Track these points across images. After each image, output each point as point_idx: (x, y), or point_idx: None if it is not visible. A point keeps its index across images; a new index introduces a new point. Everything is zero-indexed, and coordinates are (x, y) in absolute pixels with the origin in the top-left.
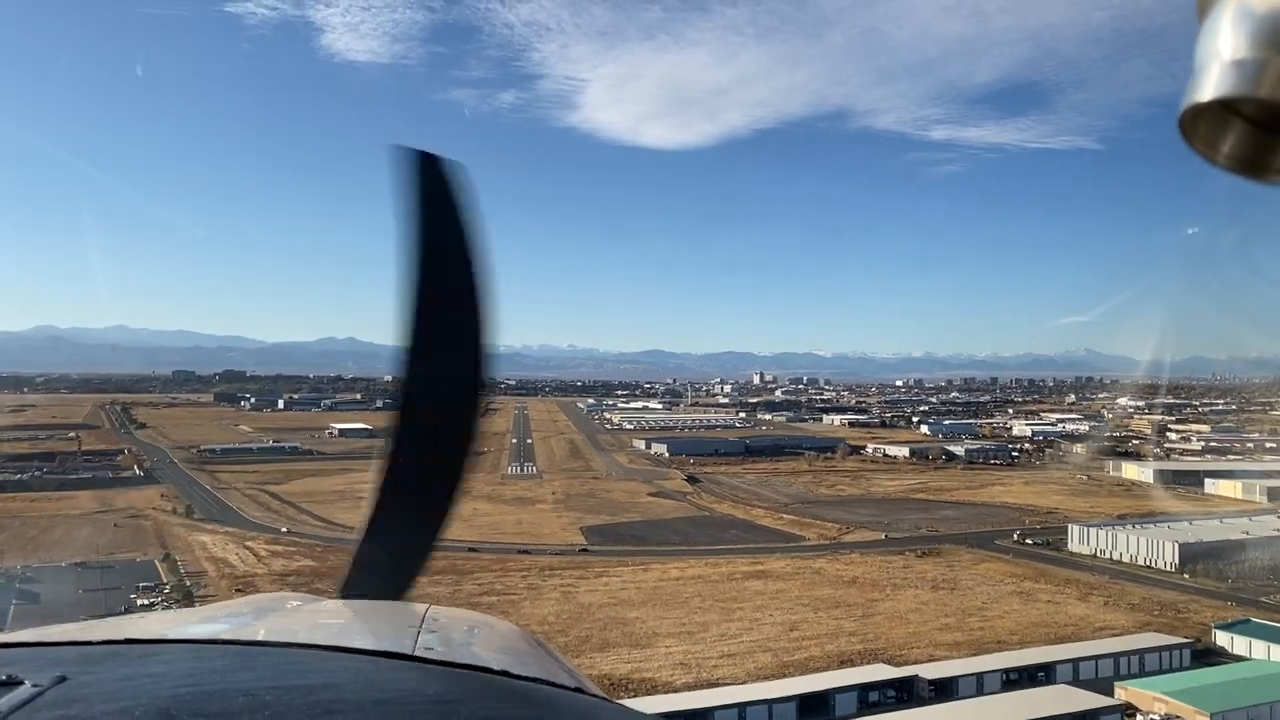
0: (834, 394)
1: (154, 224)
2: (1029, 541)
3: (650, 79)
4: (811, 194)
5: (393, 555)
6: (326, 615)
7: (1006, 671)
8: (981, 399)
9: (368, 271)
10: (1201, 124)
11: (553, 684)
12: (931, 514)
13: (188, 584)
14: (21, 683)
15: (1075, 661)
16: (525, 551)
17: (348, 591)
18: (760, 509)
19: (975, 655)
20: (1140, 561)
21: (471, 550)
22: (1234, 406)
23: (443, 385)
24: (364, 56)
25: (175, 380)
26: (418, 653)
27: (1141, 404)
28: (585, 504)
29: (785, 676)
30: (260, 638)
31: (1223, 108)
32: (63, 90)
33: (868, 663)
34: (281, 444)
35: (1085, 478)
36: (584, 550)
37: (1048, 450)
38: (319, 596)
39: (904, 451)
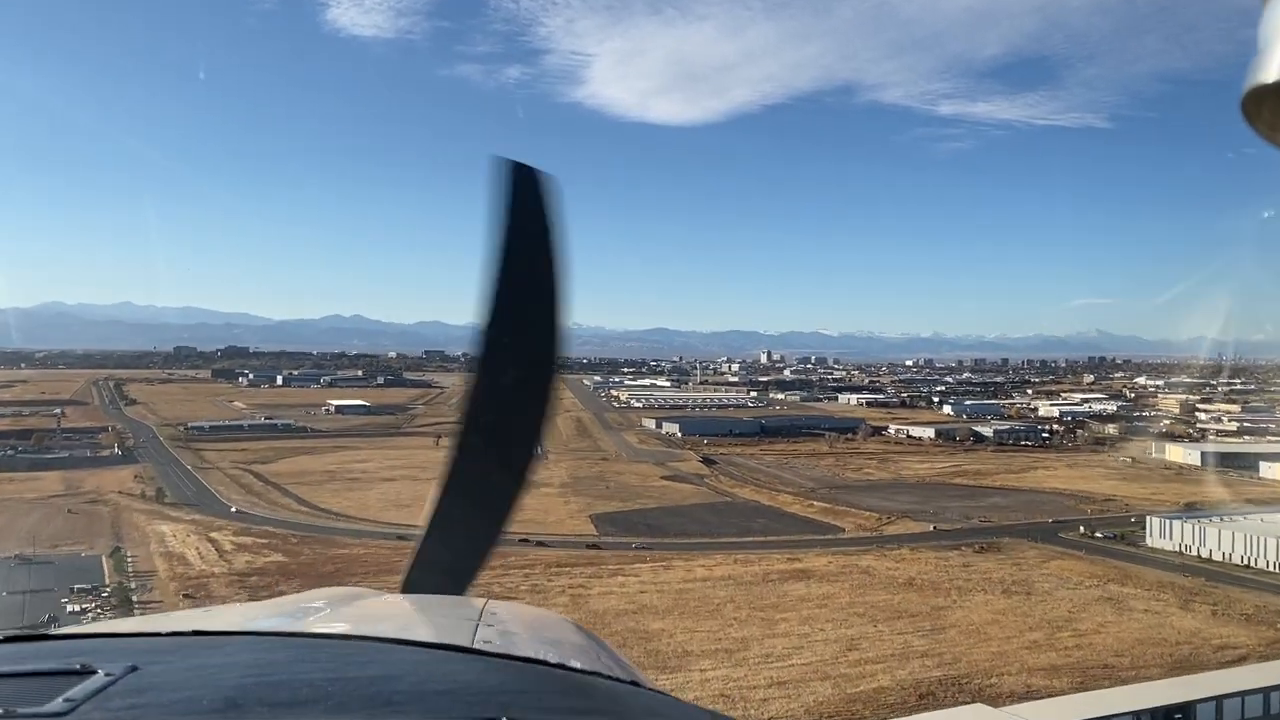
0: (844, 373)
1: (159, 201)
2: (1099, 535)
3: (657, 54)
4: (819, 171)
5: (454, 551)
6: (387, 609)
7: (1136, 714)
8: (996, 379)
9: (374, 249)
10: (1265, 106)
11: (610, 677)
12: (977, 501)
13: (131, 586)
14: (95, 672)
15: (1217, 700)
16: (529, 541)
17: (410, 587)
18: (786, 494)
19: (1087, 690)
20: (1236, 560)
21: None
22: (1252, 386)
23: (513, 386)
24: (369, 31)
25: (177, 356)
26: (476, 645)
27: (1161, 383)
28: (595, 489)
29: (856, 718)
30: (325, 630)
31: None
32: (65, 67)
33: (953, 695)
34: (274, 421)
35: (1129, 461)
36: (594, 545)
37: (1079, 432)
38: (380, 591)
39: (929, 432)
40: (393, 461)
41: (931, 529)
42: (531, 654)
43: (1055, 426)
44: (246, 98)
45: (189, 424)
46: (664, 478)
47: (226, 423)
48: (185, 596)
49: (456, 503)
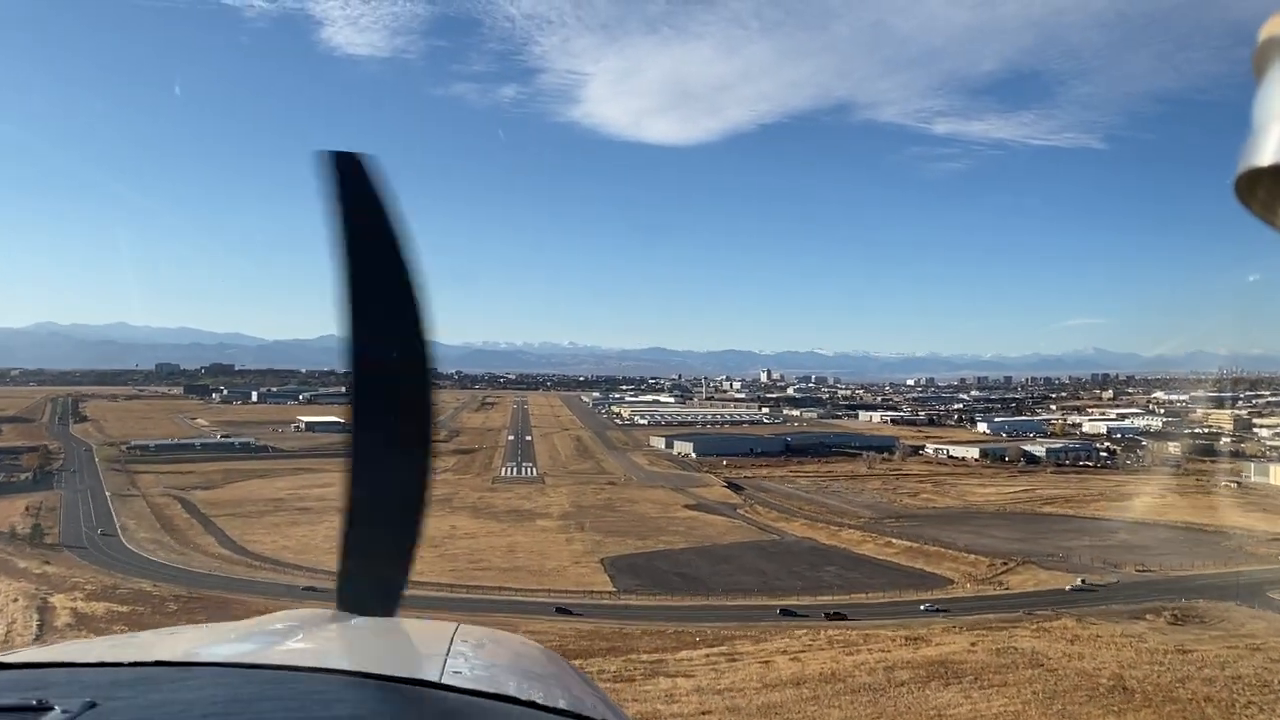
0: (849, 392)
1: (154, 220)
2: None
3: (653, 73)
4: (815, 190)
5: (375, 570)
6: (356, 635)
7: None
8: (1007, 396)
9: None
10: (1260, 187)
11: (579, 715)
12: (1099, 539)
13: None
14: (52, 708)
15: None
16: (518, 603)
17: (342, 606)
18: (850, 530)
19: None
20: None
21: (440, 599)
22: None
23: (390, 380)
24: (364, 50)
25: (158, 373)
26: (445, 678)
27: (1185, 398)
28: (604, 521)
29: None
30: (290, 661)
31: None
32: (60, 86)
33: None
34: (231, 439)
35: (1235, 485)
36: (613, 608)
37: (1138, 451)
38: (350, 614)
39: (973, 452)
40: None
41: (1080, 582)
42: (501, 689)
43: (1109, 446)
44: (241, 117)
45: (131, 443)
46: (687, 507)
47: (176, 441)
48: None
49: (365, 517)
